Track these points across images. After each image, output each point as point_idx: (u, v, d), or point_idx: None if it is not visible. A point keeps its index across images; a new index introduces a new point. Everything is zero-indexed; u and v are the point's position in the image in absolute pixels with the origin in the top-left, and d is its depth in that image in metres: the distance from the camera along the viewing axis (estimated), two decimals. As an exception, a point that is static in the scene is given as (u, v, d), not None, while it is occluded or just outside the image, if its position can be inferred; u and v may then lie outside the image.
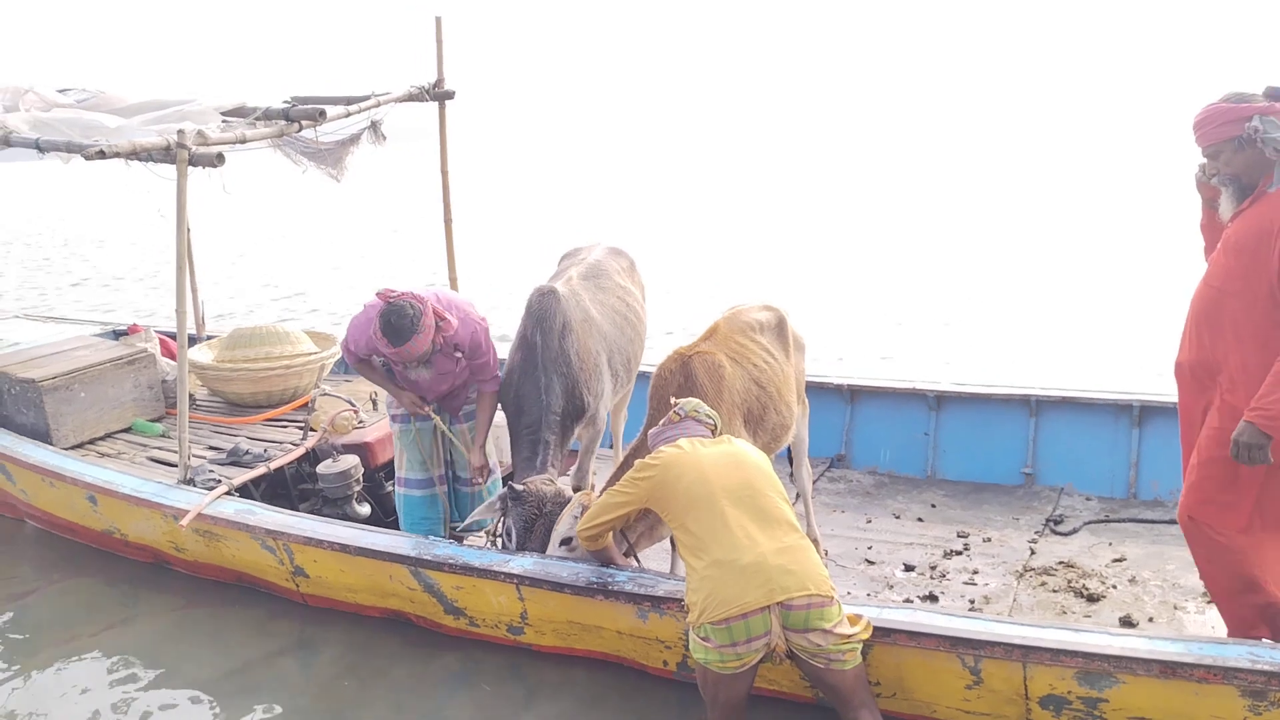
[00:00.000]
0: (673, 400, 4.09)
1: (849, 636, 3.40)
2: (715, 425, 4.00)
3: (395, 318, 4.51)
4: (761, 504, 3.56)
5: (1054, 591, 4.64)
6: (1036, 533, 5.22)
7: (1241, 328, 3.46)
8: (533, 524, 4.41)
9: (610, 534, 4.02)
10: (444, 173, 6.67)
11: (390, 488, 5.70)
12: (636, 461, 3.94)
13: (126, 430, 6.24)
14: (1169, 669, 3.25)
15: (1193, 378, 3.67)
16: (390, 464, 5.70)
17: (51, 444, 5.78)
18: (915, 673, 3.65)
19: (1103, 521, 5.29)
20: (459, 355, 4.88)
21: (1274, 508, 3.51)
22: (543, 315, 4.87)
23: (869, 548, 5.18)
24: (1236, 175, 3.54)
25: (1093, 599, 4.54)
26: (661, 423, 4.04)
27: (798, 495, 5.03)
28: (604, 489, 4.12)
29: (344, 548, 4.56)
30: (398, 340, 4.52)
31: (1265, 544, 3.54)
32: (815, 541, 4.98)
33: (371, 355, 4.90)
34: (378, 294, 4.65)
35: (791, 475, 5.18)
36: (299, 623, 4.94)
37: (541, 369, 4.80)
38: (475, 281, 15.35)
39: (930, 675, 3.64)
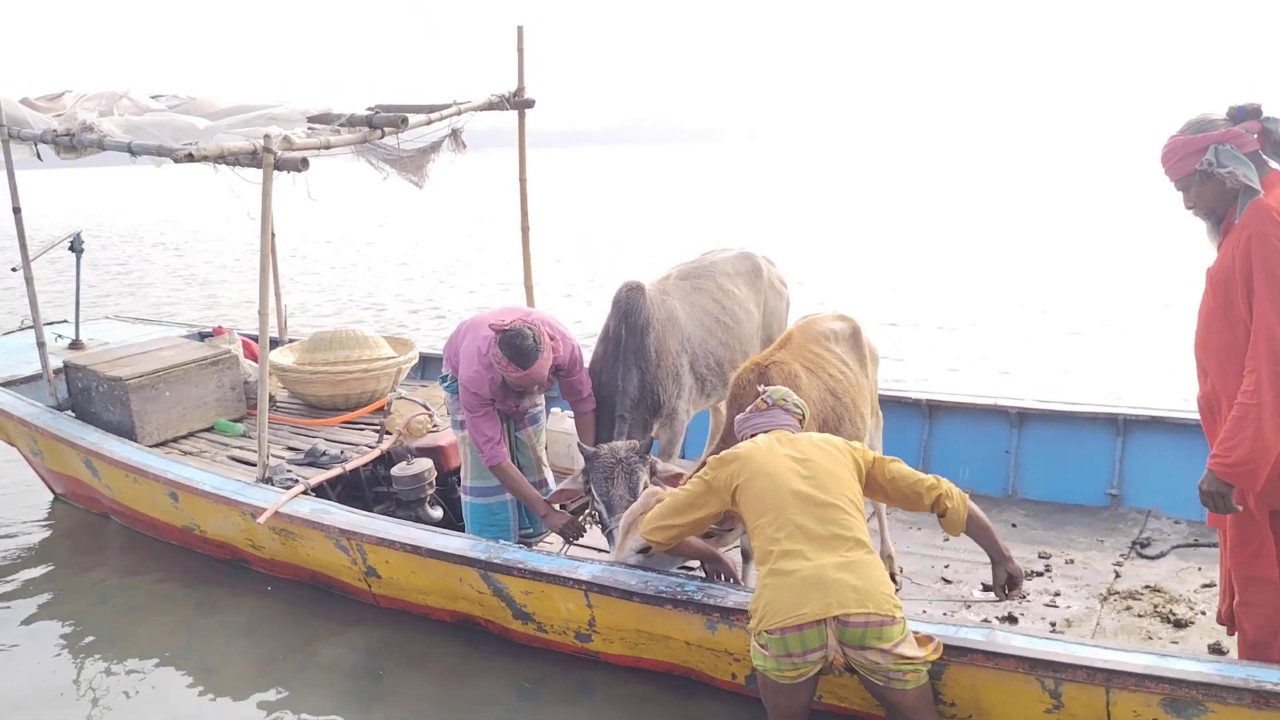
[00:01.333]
0: (761, 388, 4.04)
1: (911, 658, 3.29)
2: (803, 415, 3.95)
3: (518, 340, 4.51)
4: (832, 514, 3.47)
5: (1139, 616, 4.47)
6: (1122, 555, 5.04)
7: (1227, 365, 3.29)
8: (612, 473, 4.37)
9: (675, 541, 3.96)
10: (522, 180, 6.71)
11: (463, 492, 5.74)
12: (711, 459, 3.88)
13: (209, 430, 6.38)
14: (1262, 699, 3.09)
15: (1208, 412, 3.49)
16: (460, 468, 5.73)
17: (136, 441, 5.92)
18: (992, 694, 3.54)
19: (1192, 546, 5.09)
20: (559, 373, 4.92)
21: None
22: (628, 310, 4.96)
23: (946, 566, 5.05)
24: (1211, 208, 3.37)
25: (1180, 625, 4.36)
26: (749, 409, 3.99)
27: (873, 511, 4.93)
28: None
29: (415, 549, 4.59)
30: (526, 362, 4.52)
31: None
32: (889, 558, 4.88)
33: (492, 393, 4.77)
34: (490, 326, 4.64)
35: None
36: (371, 624, 4.99)
37: (621, 360, 4.90)
38: (549, 289, 15.55)
39: (1008, 697, 3.52)
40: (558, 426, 6.37)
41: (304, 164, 5.08)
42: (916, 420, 6.19)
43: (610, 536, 4.40)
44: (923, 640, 3.40)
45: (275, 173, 5.13)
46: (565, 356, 4.84)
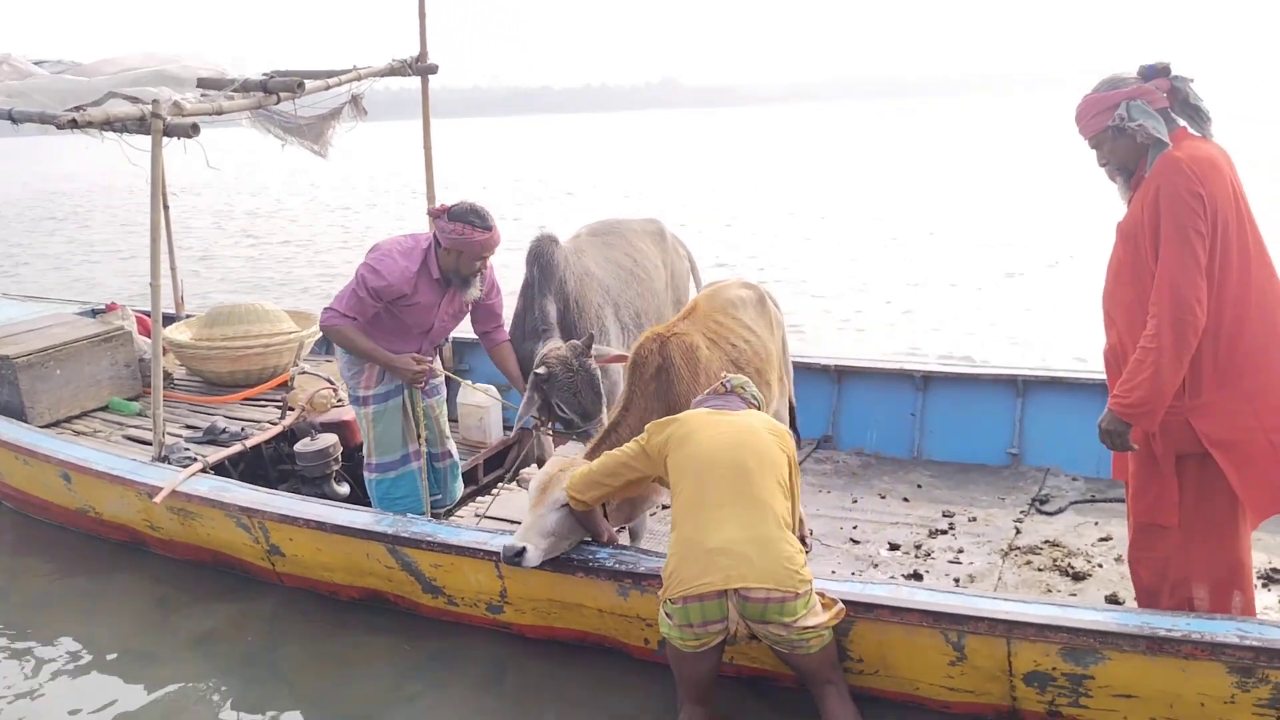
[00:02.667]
0: (722, 375, 4.04)
1: (813, 627, 3.33)
2: (758, 405, 3.95)
3: (475, 205, 4.59)
4: (752, 490, 3.46)
5: (1039, 570, 4.59)
6: (1022, 512, 5.17)
7: (1134, 317, 3.41)
8: (575, 384, 4.56)
9: (599, 501, 3.95)
10: (427, 148, 6.56)
11: (370, 467, 5.64)
12: (650, 424, 3.83)
13: (103, 409, 6.17)
14: (1156, 645, 3.19)
15: (1114, 363, 3.61)
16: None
17: (26, 421, 5.69)
18: (898, 649, 3.60)
19: (1089, 501, 5.24)
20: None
21: (1203, 508, 3.45)
22: (538, 254, 5.07)
23: (854, 527, 5.12)
24: (1123, 164, 3.48)
25: (1078, 577, 4.49)
26: (706, 393, 3.98)
27: None
28: (593, 455, 4.06)
29: (320, 525, 4.49)
30: (488, 222, 4.57)
31: (1192, 545, 3.48)
32: (799, 520, 4.92)
33: (415, 287, 4.62)
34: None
35: None
36: (275, 603, 4.86)
37: (538, 297, 4.99)
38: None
39: (913, 652, 3.58)
40: (467, 399, 6.30)
41: (194, 130, 4.91)
42: (826, 385, 6.25)
43: (585, 436, 4.56)
44: (827, 604, 3.44)
45: (166, 139, 4.95)
46: (488, 273, 4.88)
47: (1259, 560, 4.33)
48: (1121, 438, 3.42)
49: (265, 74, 5.92)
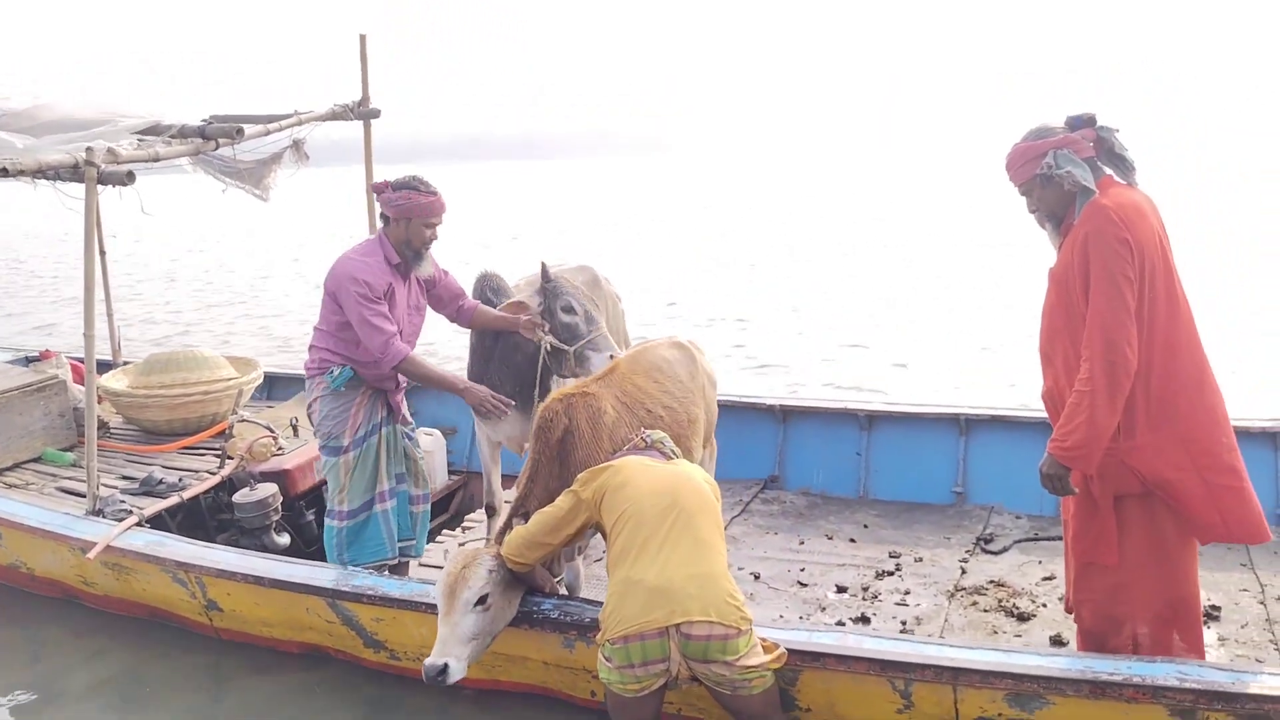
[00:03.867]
0: (643, 431, 4.03)
1: (754, 667, 3.31)
2: (676, 459, 3.93)
3: (415, 175, 4.59)
4: (690, 531, 3.45)
5: (985, 611, 4.61)
6: (967, 551, 5.20)
7: (1069, 359, 3.48)
8: (577, 291, 4.91)
9: (541, 561, 3.89)
10: (369, 193, 6.49)
11: (310, 516, 5.54)
12: (580, 474, 3.77)
13: (36, 460, 5.99)
14: (1099, 689, 3.21)
15: (1052, 406, 3.66)
16: (311, 491, 5.54)
17: (-46, 475, 5.53)
18: (846, 697, 3.59)
19: (1032, 539, 5.28)
20: (431, 286, 4.87)
21: (1144, 547, 3.50)
22: (486, 281, 5.20)
23: (802, 569, 5.11)
24: (1052, 211, 3.56)
25: (1023, 618, 4.51)
26: (626, 448, 3.96)
27: None
28: (501, 538, 3.95)
29: (258, 580, 4.39)
30: (429, 185, 4.56)
31: (1131, 584, 3.52)
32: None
33: (384, 276, 4.55)
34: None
35: None
36: (213, 659, 4.76)
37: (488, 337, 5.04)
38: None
39: (861, 699, 3.57)
40: (413, 445, 6.22)
41: (130, 178, 4.83)
42: (771, 426, 6.26)
43: (581, 356, 4.76)
44: (768, 647, 3.42)
45: (101, 187, 4.87)
46: (468, 303, 4.93)
47: (1198, 597, 4.37)
48: (1062, 481, 3.46)
49: (204, 119, 5.84)
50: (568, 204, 43.93)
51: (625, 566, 3.41)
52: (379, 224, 4.69)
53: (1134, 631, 3.55)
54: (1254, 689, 3.12)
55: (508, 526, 4.00)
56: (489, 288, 5.15)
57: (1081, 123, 3.49)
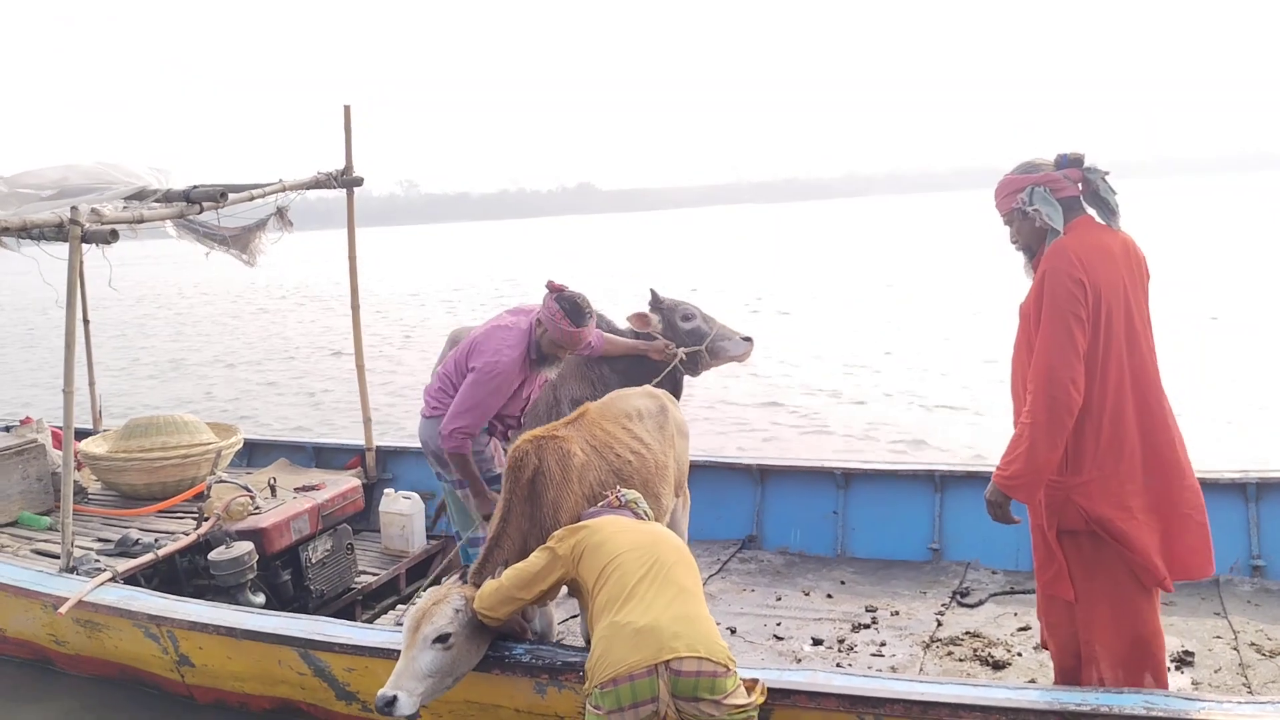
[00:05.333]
0: (617, 489, 4.07)
1: (741, 706, 3.29)
2: (648, 520, 3.97)
3: (578, 299, 4.76)
4: (673, 580, 3.47)
5: (960, 660, 4.60)
6: (943, 605, 5.20)
7: None
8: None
9: (512, 615, 3.89)
10: (352, 258, 6.63)
11: (286, 576, 5.52)
12: (558, 530, 3.80)
13: (13, 524, 5.97)
14: (1066, 720, 3.22)
15: None
16: (287, 550, 5.52)
17: (-69, 538, 5.50)
18: (817, 736, 3.57)
19: (1008, 593, 5.29)
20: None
21: (1097, 584, 3.54)
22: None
23: (778, 624, 5.10)
24: (1027, 244, 3.68)
25: (998, 666, 4.50)
26: (600, 504, 4.00)
27: None
28: (477, 578, 3.98)
29: (230, 631, 4.37)
30: (581, 320, 4.74)
31: (1091, 622, 3.56)
32: None
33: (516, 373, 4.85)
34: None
35: None
36: (181, 717, 4.70)
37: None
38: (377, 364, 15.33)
39: (833, 738, 3.55)
40: (390, 508, 6.24)
41: (113, 236, 4.93)
42: (749, 486, 6.29)
43: (715, 349, 5.51)
44: (750, 685, 3.41)
45: (85, 247, 4.96)
46: (595, 338, 5.17)
47: (1171, 644, 4.38)
48: (1002, 509, 3.54)
49: (189, 186, 5.96)
50: (548, 260, 44.74)
51: (610, 614, 3.39)
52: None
53: (1099, 674, 3.56)
54: (1218, 718, 3.13)
55: (483, 566, 4.00)
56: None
57: (1068, 162, 3.56)
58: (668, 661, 3.20)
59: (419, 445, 5.27)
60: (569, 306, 4.72)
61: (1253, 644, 4.53)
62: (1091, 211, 3.60)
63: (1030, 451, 3.39)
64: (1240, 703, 3.25)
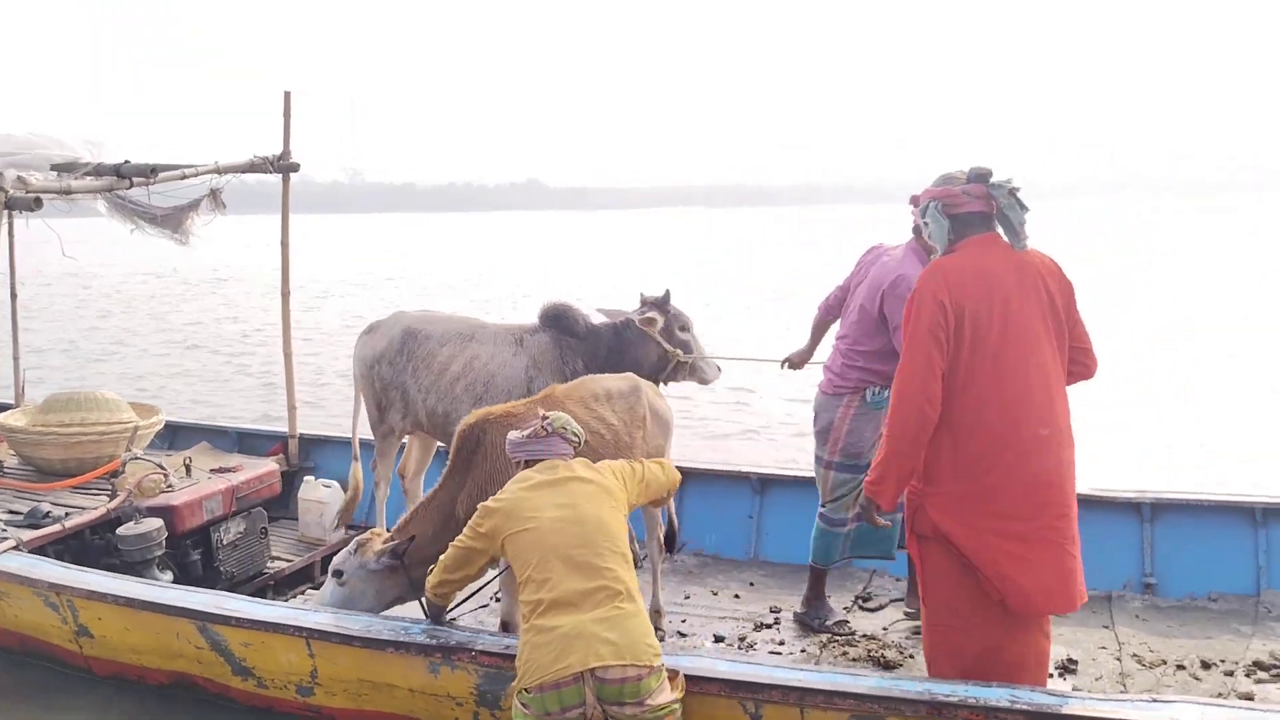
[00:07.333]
0: (540, 411, 3.97)
1: (663, 705, 3.32)
2: (579, 443, 3.89)
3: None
4: (597, 567, 3.44)
5: (854, 660, 4.70)
6: (845, 608, 5.30)
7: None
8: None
9: (460, 588, 3.97)
10: (284, 245, 6.63)
11: (196, 555, 5.51)
12: (480, 506, 3.76)
13: (-78, 497, 5.90)
14: (936, 709, 3.32)
15: None
16: (198, 530, 5.51)
17: None
18: (699, 718, 3.63)
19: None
20: None
21: (942, 593, 3.63)
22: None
23: (683, 621, 5.18)
24: (933, 254, 3.85)
25: (889, 666, 4.61)
26: (526, 433, 3.86)
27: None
28: (403, 529, 4.22)
29: (129, 601, 4.37)
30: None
31: (943, 626, 3.66)
32: (657, 613, 4.96)
33: None
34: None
35: (644, 547, 5.25)
36: (81, 694, 4.66)
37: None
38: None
39: (714, 722, 3.63)
40: (309, 495, 6.24)
41: (37, 203, 4.92)
42: (667, 489, 6.35)
43: (695, 367, 5.69)
44: (671, 677, 3.44)
45: (16, 215, 4.96)
46: None
47: (1057, 653, 4.50)
48: (867, 511, 3.64)
49: (121, 161, 5.95)
50: (497, 256, 44.60)
51: (536, 614, 3.39)
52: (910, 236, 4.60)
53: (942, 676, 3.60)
54: (1079, 711, 3.25)
55: (404, 526, 4.27)
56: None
57: (975, 177, 3.57)
58: (594, 669, 3.23)
59: (342, 434, 5.29)
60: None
61: (1135, 655, 4.67)
62: (1000, 229, 3.56)
63: (886, 460, 3.52)
64: (1101, 699, 3.38)
